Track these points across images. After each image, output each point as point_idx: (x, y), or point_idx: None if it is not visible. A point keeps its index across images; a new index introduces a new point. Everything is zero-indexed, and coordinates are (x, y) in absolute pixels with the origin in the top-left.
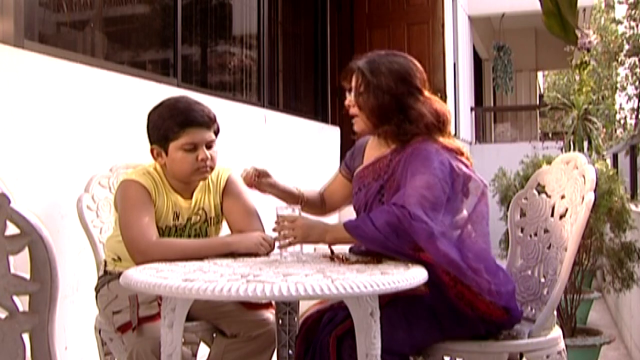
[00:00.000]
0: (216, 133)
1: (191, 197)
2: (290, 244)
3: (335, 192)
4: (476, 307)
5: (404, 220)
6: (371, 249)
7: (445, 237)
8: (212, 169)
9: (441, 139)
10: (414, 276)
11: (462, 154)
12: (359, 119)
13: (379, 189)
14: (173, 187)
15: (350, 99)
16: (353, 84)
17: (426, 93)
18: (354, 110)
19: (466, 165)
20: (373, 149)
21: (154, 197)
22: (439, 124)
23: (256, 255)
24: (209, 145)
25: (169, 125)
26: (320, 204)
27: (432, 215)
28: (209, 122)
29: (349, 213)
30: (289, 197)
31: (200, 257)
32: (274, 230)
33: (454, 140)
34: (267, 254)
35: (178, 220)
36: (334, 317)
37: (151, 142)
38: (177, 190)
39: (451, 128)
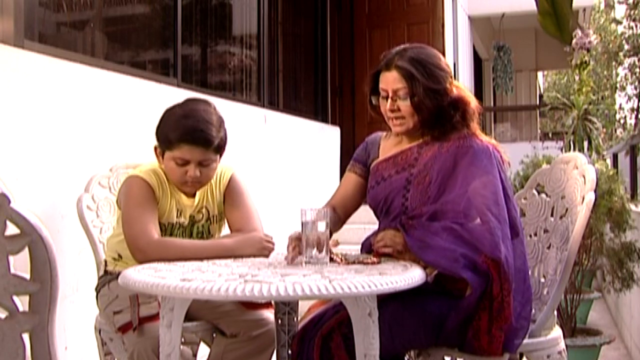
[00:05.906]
0: (219, 149)
1: (194, 196)
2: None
3: (349, 198)
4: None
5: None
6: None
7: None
8: (202, 185)
9: (478, 133)
10: (412, 277)
11: (496, 149)
12: (405, 120)
13: (405, 183)
14: (176, 185)
15: (398, 104)
16: (399, 86)
17: (455, 82)
18: (400, 113)
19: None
20: (391, 143)
21: (158, 195)
22: (472, 112)
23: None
24: (204, 164)
25: (168, 135)
26: (337, 219)
27: (503, 233)
28: (207, 143)
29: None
30: None
31: (200, 259)
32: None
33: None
34: (268, 255)
35: (181, 217)
36: (323, 316)
37: (157, 140)
38: (180, 189)
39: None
